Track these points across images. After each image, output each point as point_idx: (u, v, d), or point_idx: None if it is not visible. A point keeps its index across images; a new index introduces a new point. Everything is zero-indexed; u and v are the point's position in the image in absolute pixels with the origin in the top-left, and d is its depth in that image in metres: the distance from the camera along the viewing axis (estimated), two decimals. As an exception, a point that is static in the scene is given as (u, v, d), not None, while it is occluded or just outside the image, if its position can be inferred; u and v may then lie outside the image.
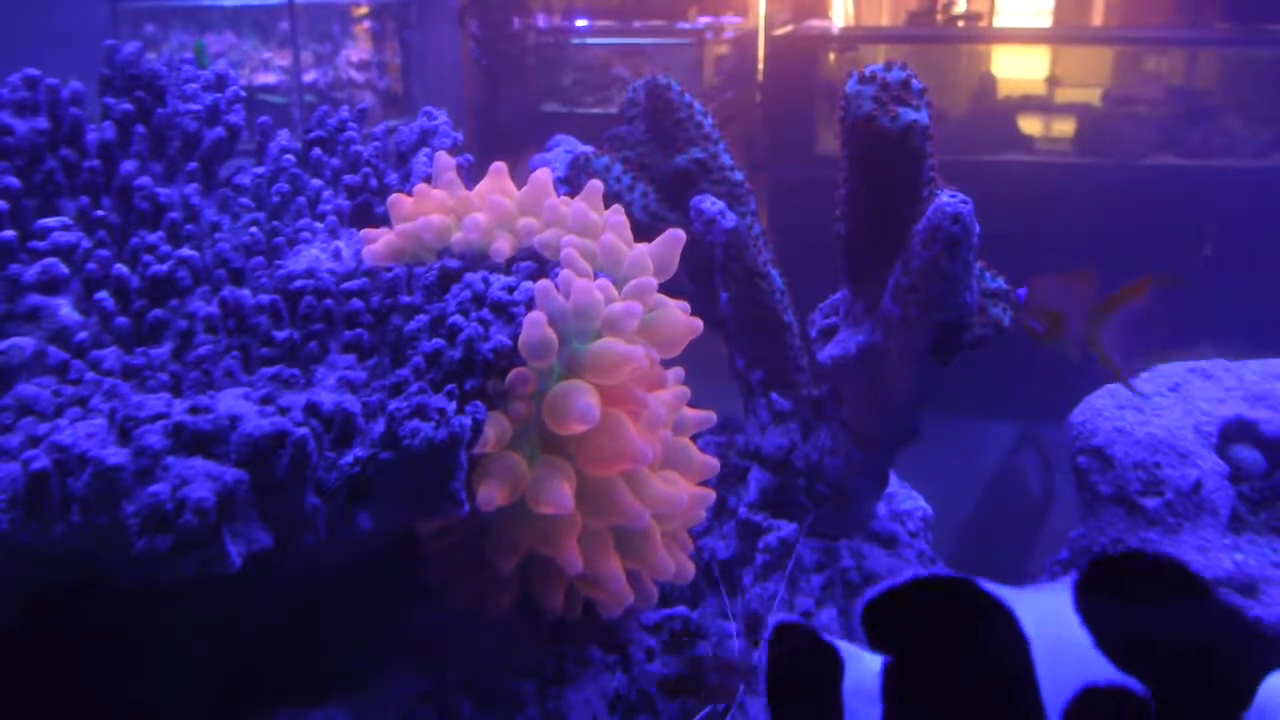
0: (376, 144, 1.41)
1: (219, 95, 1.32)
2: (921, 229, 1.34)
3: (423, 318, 1.06)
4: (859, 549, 1.70)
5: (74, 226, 1.15)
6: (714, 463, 1.33)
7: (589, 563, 1.15)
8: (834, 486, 1.71)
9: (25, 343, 1.03)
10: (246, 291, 1.11)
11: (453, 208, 1.23)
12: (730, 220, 1.73)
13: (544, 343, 1.08)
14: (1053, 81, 4.37)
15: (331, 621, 1.19)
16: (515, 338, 1.10)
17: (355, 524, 0.92)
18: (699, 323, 1.27)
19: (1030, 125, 4.19)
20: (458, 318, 1.06)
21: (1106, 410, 1.50)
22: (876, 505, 1.77)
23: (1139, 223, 3.48)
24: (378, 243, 1.21)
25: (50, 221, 1.14)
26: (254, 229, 1.22)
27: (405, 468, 0.93)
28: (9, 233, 1.11)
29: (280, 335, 1.07)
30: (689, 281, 1.86)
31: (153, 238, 1.16)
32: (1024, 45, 4.83)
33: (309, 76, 4.88)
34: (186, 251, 1.15)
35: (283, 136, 1.37)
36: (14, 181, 1.16)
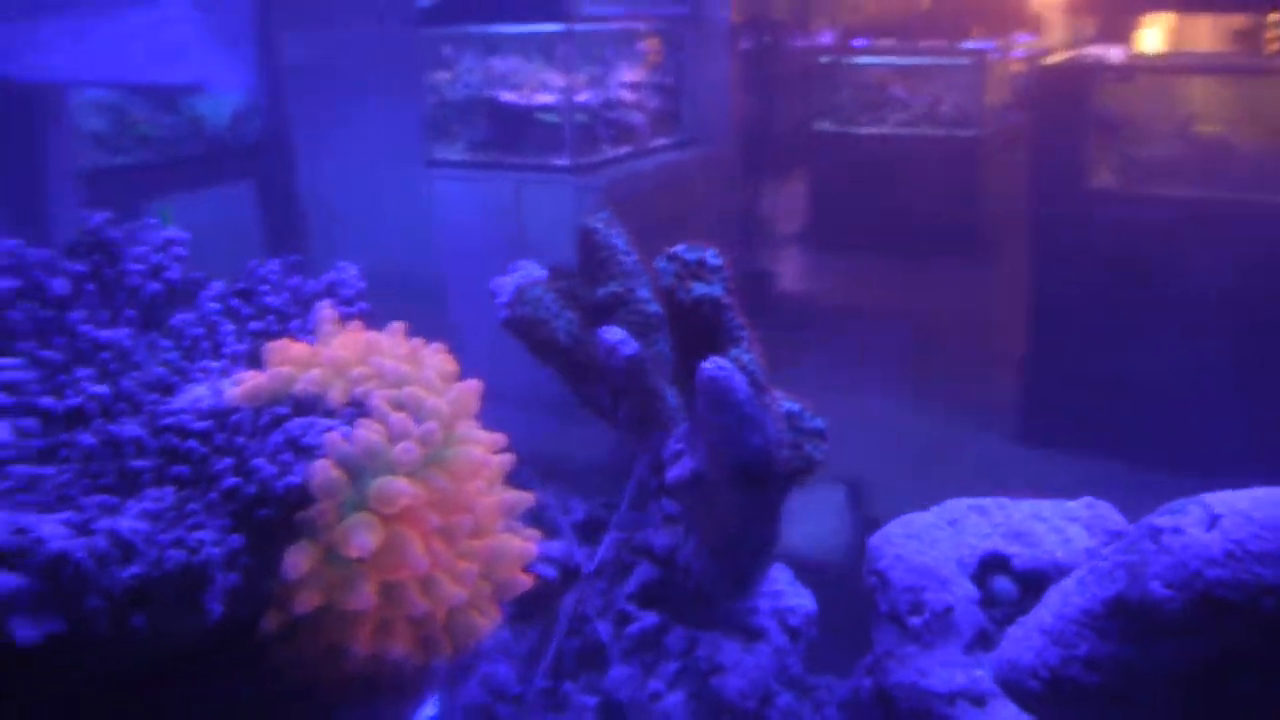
0: (287, 294, 1.76)
1: (163, 255, 1.70)
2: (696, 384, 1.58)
3: (230, 459, 1.39)
4: (717, 642, 1.92)
5: (23, 365, 1.54)
6: (530, 549, 1.60)
7: (378, 646, 1.46)
8: (698, 587, 1.94)
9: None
10: (124, 425, 1.46)
11: (305, 360, 1.56)
12: (630, 348, 1.99)
13: (329, 483, 1.40)
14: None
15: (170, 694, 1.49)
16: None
17: (131, 623, 1.26)
18: (497, 459, 1.56)
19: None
20: (260, 460, 1.38)
21: (895, 538, 1.67)
22: (740, 604, 1.98)
23: None
24: (241, 386, 1.55)
25: (4, 361, 1.54)
26: (161, 369, 1.58)
27: (169, 582, 1.26)
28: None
29: (137, 465, 1.42)
30: (606, 396, 2.13)
31: (81, 373, 1.54)
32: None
33: (582, 97, 5.19)
34: (97, 388, 1.52)
35: (214, 287, 1.74)
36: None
